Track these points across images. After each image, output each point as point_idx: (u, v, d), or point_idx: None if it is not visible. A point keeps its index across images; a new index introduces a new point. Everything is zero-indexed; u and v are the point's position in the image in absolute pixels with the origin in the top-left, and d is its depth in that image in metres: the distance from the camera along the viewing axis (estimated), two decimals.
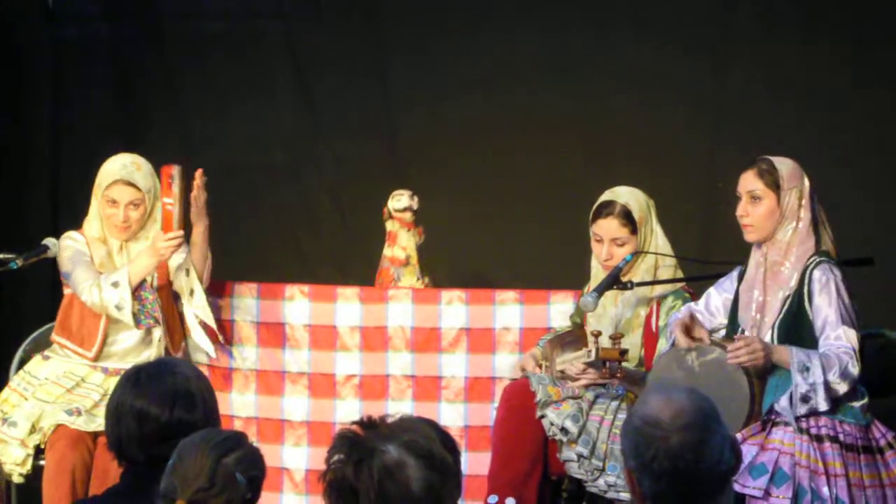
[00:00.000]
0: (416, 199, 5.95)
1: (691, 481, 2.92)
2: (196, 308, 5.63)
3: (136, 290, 5.53)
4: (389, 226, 5.98)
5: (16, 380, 5.61)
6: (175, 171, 5.44)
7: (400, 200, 5.94)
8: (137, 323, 5.54)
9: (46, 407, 5.44)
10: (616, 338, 5.08)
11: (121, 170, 5.57)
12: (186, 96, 7.38)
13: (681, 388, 3.04)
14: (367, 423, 2.87)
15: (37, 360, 5.65)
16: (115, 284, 5.48)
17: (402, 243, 5.95)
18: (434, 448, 2.83)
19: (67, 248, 5.60)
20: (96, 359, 5.57)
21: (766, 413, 4.80)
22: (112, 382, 5.52)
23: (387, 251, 5.98)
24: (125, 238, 5.61)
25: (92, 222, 5.64)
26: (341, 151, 7.26)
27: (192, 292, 5.63)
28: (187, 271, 5.61)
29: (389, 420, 2.87)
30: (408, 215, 5.94)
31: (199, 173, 5.54)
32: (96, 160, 5.69)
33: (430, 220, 6.31)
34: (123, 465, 3.58)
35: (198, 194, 5.53)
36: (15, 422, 5.43)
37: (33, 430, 5.41)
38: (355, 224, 7.17)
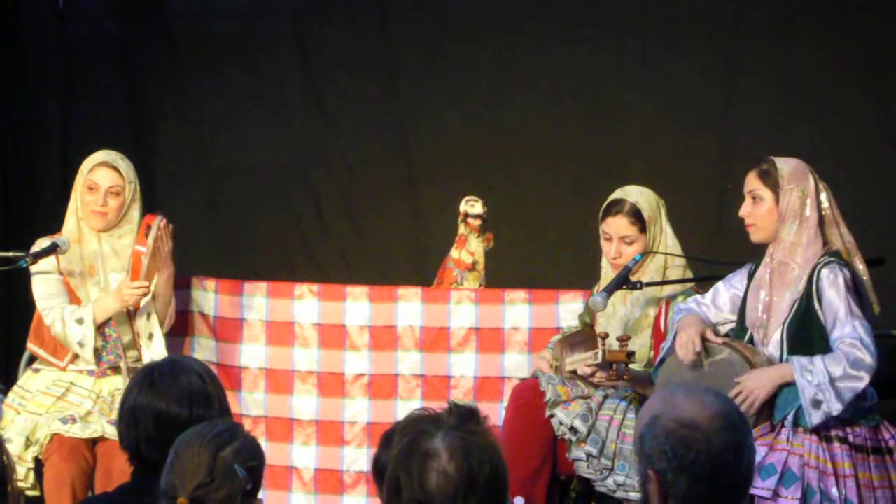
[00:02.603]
0: (486, 208, 5.96)
1: (732, 482, 2.95)
2: (153, 353, 5.62)
3: (101, 327, 5.57)
4: (462, 229, 5.98)
5: (10, 395, 5.61)
6: (155, 221, 5.49)
7: (475, 206, 5.95)
8: (99, 360, 5.57)
9: (39, 419, 5.44)
10: (623, 340, 5.08)
11: (105, 155, 5.64)
12: (196, 96, 7.39)
13: (706, 389, 3.05)
14: (461, 411, 2.85)
15: (28, 374, 5.67)
16: (80, 321, 5.52)
17: (470, 248, 5.96)
18: (482, 467, 2.80)
19: (37, 275, 5.61)
20: (67, 368, 5.58)
21: (776, 422, 4.79)
22: (103, 384, 5.54)
23: (454, 252, 5.99)
24: (101, 227, 5.62)
25: (70, 219, 5.66)
26: (351, 152, 7.26)
27: (150, 336, 5.64)
28: (148, 315, 5.64)
29: (483, 420, 2.86)
30: (478, 222, 5.95)
31: (162, 224, 5.55)
32: None
33: (439, 220, 6.32)
34: (134, 465, 3.58)
35: (161, 245, 5.55)
36: (9, 439, 5.41)
37: (29, 443, 5.41)
38: (365, 224, 7.17)
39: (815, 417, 4.69)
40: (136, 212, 5.65)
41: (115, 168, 5.61)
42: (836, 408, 4.68)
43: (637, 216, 5.27)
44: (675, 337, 4.97)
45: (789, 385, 4.76)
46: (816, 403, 4.68)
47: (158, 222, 5.51)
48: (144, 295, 5.54)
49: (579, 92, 6.92)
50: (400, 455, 2.80)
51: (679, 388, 3.06)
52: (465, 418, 2.85)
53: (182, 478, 3.15)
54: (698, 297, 5.14)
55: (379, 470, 3.30)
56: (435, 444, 2.80)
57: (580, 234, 5.86)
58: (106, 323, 5.57)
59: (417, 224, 7.08)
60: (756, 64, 6.72)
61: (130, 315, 5.62)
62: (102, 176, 5.60)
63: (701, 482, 2.93)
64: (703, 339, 4.92)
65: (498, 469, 2.84)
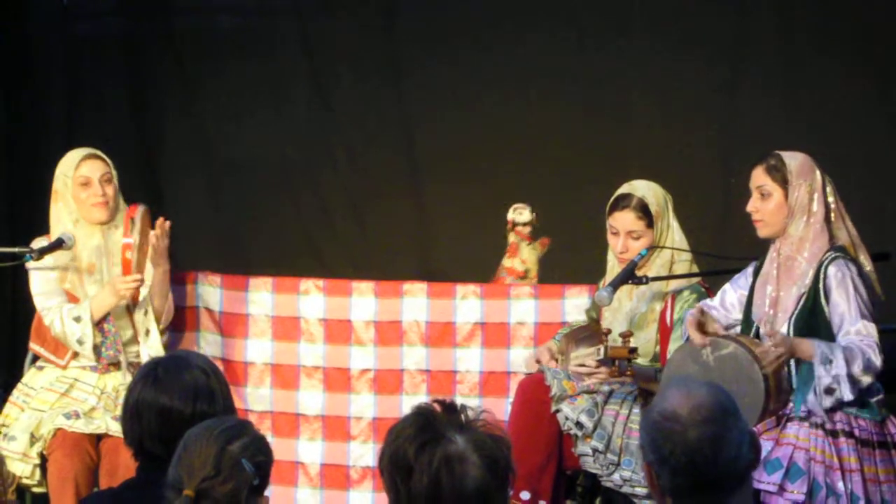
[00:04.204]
0: (535, 214, 5.95)
1: (709, 476, 2.92)
2: (150, 349, 5.62)
3: (100, 323, 5.57)
4: (511, 237, 5.97)
5: (15, 393, 5.62)
6: (137, 213, 5.47)
7: (522, 214, 5.93)
8: (98, 356, 5.57)
9: (43, 415, 5.45)
10: (626, 336, 5.08)
11: (83, 150, 5.63)
12: (200, 93, 7.39)
13: (700, 383, 3.03)
14: (448, 406, 2.86)
15: (32, 371, 5.68)
16: (77, 319, 5.52)
17: (522, 256, 5.95)
18: (500, 452, 2.83)
19: (34, 272, 5.62)
20: (67, 366, 5.59)
21: (798, 410, 4.79)
22: (107, 380, 5.55)
23: (506, 261, 5.99)
24: (105, 218, 5.60)
25: (55, 229, 5.61)
26: (356, 149, 7.27)
27: (147, 332, 5.63)
28: (145, 311, 5.63)
29: (470, 411, 2.87)
30: (528, 229, 5.94)
31: (159, 222, 5.55)
32: (109, 156, 5.69)
33: (444, 216, 6.31)
34: (139, 460, 3.58)
35: (157, 243, 5.55)
36: (14, 436, 5.43)
37: (34, 439, 5.42)
38: (369, 220, 7.18)
39: (826, 401, 4.71)
40: (122, 203, 5.64)
41: (99, 157, 5.61)
42: (847, 396, 4.70)
43: (644, 211, 5.27)
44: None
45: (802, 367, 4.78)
46: (830, 391, 4.70)
47: (141, 213, 5.48)
48: (139, 286, 5.54)
49: (584, 88, 6.93)
50: (432, 466, 2.79)
51: (676, 380, 3.06)
52: (462, 412, 2.86)
53: (189, 470, 3.15)
54: (707, 301, 5.13)
55: (384, 465, 3.30)
56: (460, 447, 2.80)
57: (586, 228, 5.86)
58: (104, 318, 5.57)
59: (422, 219, 7.09)
60: (762, 62, 6.73)
61: (130, 310, 5.61)
62: (91, 167, 5.59)
63: (678, 475, 2.91)
64: (706, 331, 4.92)
65: (509, 450, 2.87)
